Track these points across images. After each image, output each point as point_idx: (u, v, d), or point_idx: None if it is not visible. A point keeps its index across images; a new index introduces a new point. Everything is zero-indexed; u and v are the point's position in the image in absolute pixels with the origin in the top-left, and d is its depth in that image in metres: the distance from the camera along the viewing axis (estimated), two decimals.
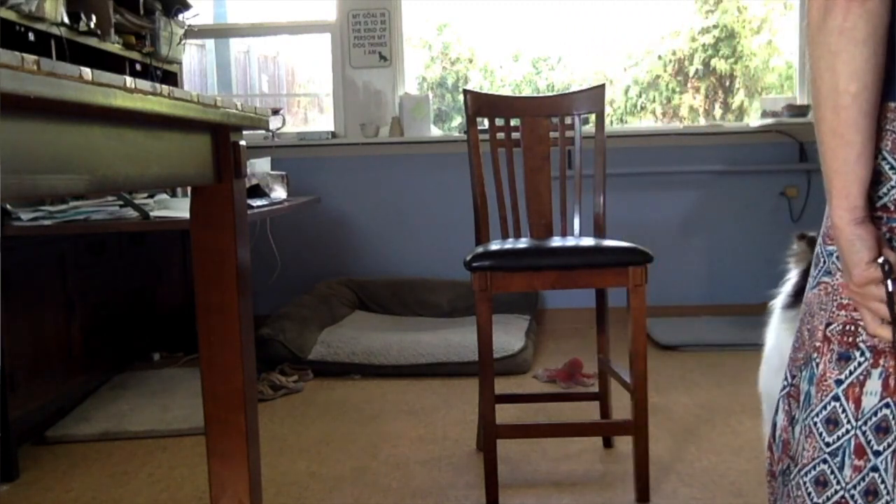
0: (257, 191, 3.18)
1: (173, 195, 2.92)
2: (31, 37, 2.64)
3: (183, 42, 3.81)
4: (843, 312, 0.97)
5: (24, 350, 2.49)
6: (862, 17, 0.84)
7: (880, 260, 0.88)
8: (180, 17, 3.76)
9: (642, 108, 5.28)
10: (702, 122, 4.87)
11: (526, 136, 2.35)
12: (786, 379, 1.05)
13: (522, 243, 2.17)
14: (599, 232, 2.34)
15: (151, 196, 2.87)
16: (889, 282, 0.87)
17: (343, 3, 4.15)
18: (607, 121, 3.29)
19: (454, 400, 2.94)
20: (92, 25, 2.93)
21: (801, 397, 1.02)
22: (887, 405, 0.94)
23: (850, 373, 0.96)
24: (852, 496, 0.96)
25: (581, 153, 2.38)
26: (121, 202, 2.65)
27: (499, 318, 3.40)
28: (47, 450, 2.52)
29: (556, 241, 2.18)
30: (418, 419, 2.74)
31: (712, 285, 4.20)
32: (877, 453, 0.95)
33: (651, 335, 3.68)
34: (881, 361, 0.94)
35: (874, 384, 0.94)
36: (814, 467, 0.99)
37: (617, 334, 2.68)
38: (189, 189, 1.63)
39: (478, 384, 2.15)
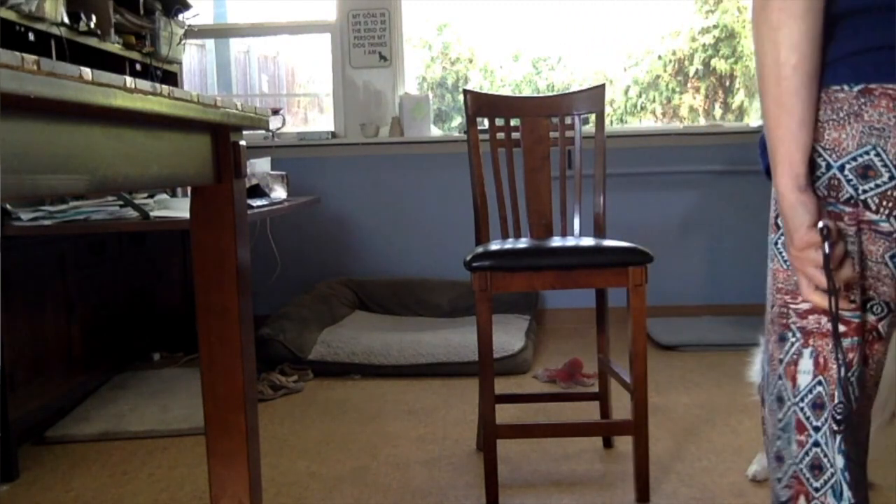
0: (257, 191, 3.18)
1: (173, 195, 2.92)
2: (31, 37, 2.64)
3: (183, 42, 3.81)
4: (778, 296, 1.04)
5: (24, 350, 2.49)
6: None
7: (820, 224, 0.93)
8: (180, 17, 3.76)
9: (642, 108, 5.28)
10: (702, 122, 4.87)
11: (526, 136, 2.35)
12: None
13: (522, 243, 2.17)
14: (599, 232, 2.34)
15: (151, 196, 2.87)
16: (826, 244, 0.92)
17: (343, 3, 4.15)
18: (607, 121, 3.29)
19: (454, 400, 2.94)
20: (92, 25, 2.93)
21: (765, 377, 1.10)
22: (820, 383, 1.00)
23: (787, 352, 1.03)
24: (801, 471, 1.02)
25: (581, 153, 2.38)
26: (121, 202, 2.65)
27: (499, 318, 3.40)
28: (47, 450, 2.52)
29: (556, 241, 2.18)
30: (418, 419, 2.74)
31: (712, 285, 4.20)
32: (816, 429, 1.01)
33: (651, 335, 3.68)
34: (811, 341, 1.01)
35: (806, 363, 1.01)
36: (773, 443, 1.06)
37: (617, 334, 2.68)
38: (189, 189, 1.63)
39: (478, 384, 2.15)
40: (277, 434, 2.62)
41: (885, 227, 0.95)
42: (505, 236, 2.35)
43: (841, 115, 0.95)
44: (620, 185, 3.98)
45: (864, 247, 0.96)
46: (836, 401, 0.99)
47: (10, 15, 2.49)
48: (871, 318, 0.99)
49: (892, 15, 0.92)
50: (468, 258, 2.02)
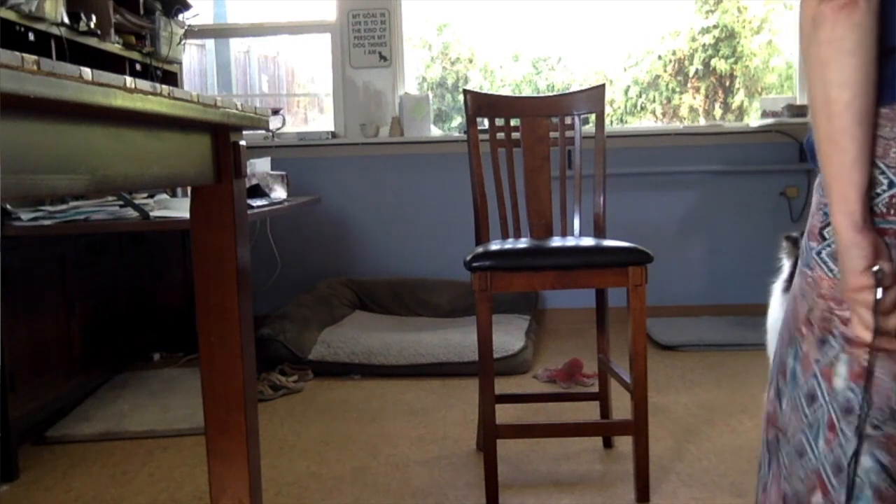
0: (257, 191, 3.18)
1: (173, 195, 2.92)
2: (31, 37, 2.64)
3: (183, 42, 3.81)
4: (821, 301, 1.03)
5: (24, 350, 2.49)
6: (849, 28, 0.87)
7: (875, 269, 0.91)
8: (180, 17, 3.76)
9: (642, 108, 5.28)
10: (702, 122, 4.87)
11: (526, 136, 2.35)
12: (775, 356, 1.12)
13: (522, 243, 2.17)
14: (599, 232, 2.34)
15: (151, 196, 2.87)
16: (879, 290, 0.91)
17: (343, 3, 4.15)
18: (607, 121, 3.29)
19: (454, 400, 2.94)
20: (92, 25, 2.93)
21: (788, 373, 1.09)
22: (851, 389, 1.00)
23: (826, 355, 1.03)
24: (824, 468, 1.03)
25: (581, 153, 2.38)
26: (121, 202, 2.66)
27: (499, 318, 3.40)
28: (47, 450, 2.52)
29: (556, 241, 2.18)
30: (418, 419, 2.74)
31: (712, 285, 4.20)
32: (842, 431, 1.01)
33: (651, 335, 3.68)
34: (848, 349, 1.00)
35: (843, 368, 1.01)
36: (796, 438, 1.06)
37: (617, 334, 2.68)
38: (189, 189, 1.63)
39: (478, 384, 2.15)
40: (277, 434, 2.62)
41: None
42: (505, 236, 2.35)
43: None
44: (620, 185, 3.98)
45: None
46: (878, 406, 0.99)
47: (10, 15, 2.49)
48: None
49: None
50: (468, 258, 2.02)
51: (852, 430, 1.00)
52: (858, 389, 1.00)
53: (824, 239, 1.03)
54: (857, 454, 1.00)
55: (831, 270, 1.02)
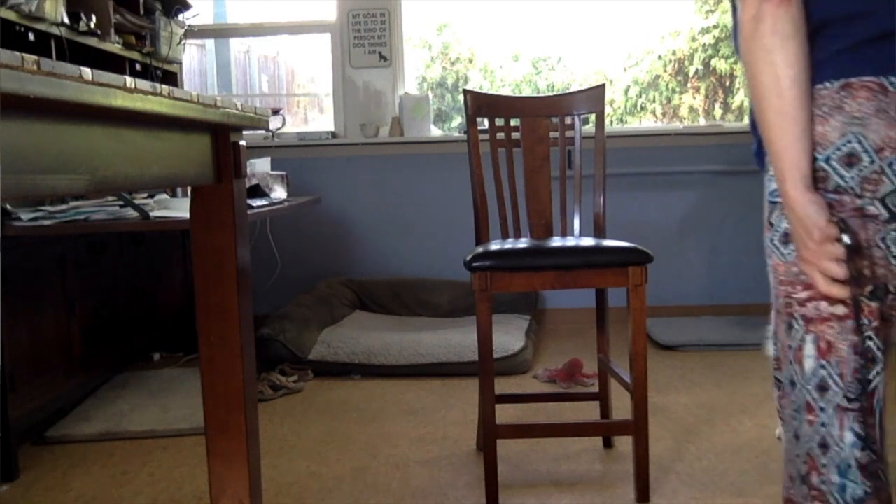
0: (257, 191, 3.18)
1: (173, 195, 2.92)
2: (31, 37, 2.64)
3: (183, 42, 3.81)
4: (781, 287, 1.13)
5: (24, 350, 2.49)
6: (786, 19, 1.02)
7: (835, 218, 1.01)
8: (180, 17, 3.76)
9: (642, 108, 5.28)
10: (702, 122, 4.87)
11: (526, 136, 2.35)
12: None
13: (522, 243, 2.17)
14: (599, 232, 2.34)
15: (151, 196, 2.87)
16: (845, 236, 1.00)
17: (343, 3, 4.15)
18: (607, 121, 3.29)
19: (454, 400, 2.94)
20: (92, 25, 2.93)
21: (777, 363, 1.17)
22: (823, 367, 1.07)
23: (794, 339, 1.11)
24: (812, 448, 1.10)
25: (581, 153, 2.38)
26: (121, 202, 2.66)
27: (499, 318, 3.40)
28: (47, 450, 2.52)
29: (556, 241, 2.18)
30: (418, 419, 2.74)
31: (712, 285, 4.20)
32: (822, 409, 1.08)
33: (651, 335, 3.68)
34: (811, 328, 1.08)
35: (809, 348, 1.09)
36: (791, 423, 1.13)
37: (617, 334, 2.68)
38: (189, 189, 1.63)
39: (478, 384, 2.15)
40: (277, 434, 2.62)
41: (871, 210, 1.02)
42: (505, 236, 2.35)
43: (825, 109, 1.04)
44: (620, 185, 3.98)
45: (858, 236, 1.03)
46: (848, 379, 1.05)
47: (10, 15, 2.49)
48: (874, 303, 1.05)
49: (867, 18, 1.01)
50: (468, 258, 2.02)
51: (832, 407, 1.06)
52: (829, 365, 1.06)
53: (773, 226, 1.12)
54: (840, 430, 1.06)
55: (783, 255, 1.11)
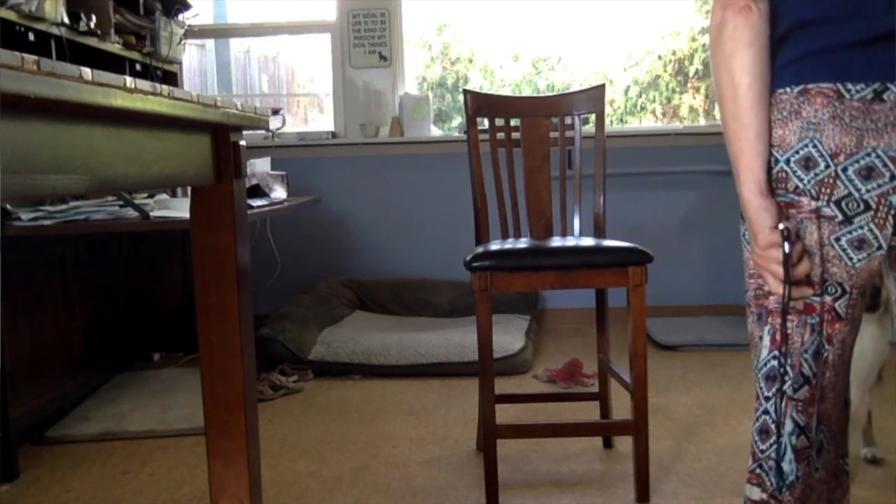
0: (257, 191, 3.18)
1: (173, 195, 2.92)
2: (31, 37, 2.64)
3: (183, 42, 3.81)
4: (751, 280, 1.19)
5: (24, 350, 2.49)
6: (746, 27, 1.07)
7: (781, 226, 1.06)
8: (180, 17, 3.76)
9: (642, 108, 5.28)
10: (702, 122, 4.87)
11: (526, 136, 2.35)
12: None
13: (522, 243, 2.17)
14: (599, 232, 2.34)
15: (151, 196, 2.87)
16: (786, 244, 1.05)
17: (343, 3, 4.15)
18: (607, 121, 3.29)
19: (454, 400, 2.94)
20: (92, 25, 2.93)
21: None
22: (774, 357, 1.13)
23: (762, 330, 1.16)
24: (753, 434, 1.17)
25: (581, 153, 2.38)
26: (121, 202, 2.66)
27: (499, 318, 3.40)
28: (47, 450, 2.52)
29: (556, 241, 2.18)
30: (418, 419, 2.74)
31: (712, 285, 4.20)
32: (766, 398, 1.14)
33: (651, 335, 3.68)
34: (769, 320, 1.14)
35: (766, 338, 1.15)
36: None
37: (617, 334, 2.68)
38: (189, 189, 1.63)
39: (478, 384, 2.15)
40: (277, 434, 2.62)
41: (826, 212, 1.07)
42: (505, 236, 2.35)
43: (784, 114, 1.08)
44: (620, 185, 3.98)
45: (815, 237, 1.08)
46: (796, 370, 1.11)
47: (10, 15, 2.49)
48: (828, 298, 1.10)
49: (824, 26, 1.05)
50: (468, 258, 2.02)
51: (777, 396, 1.12)
52: (780, 356, 1.12)
53: (744, 221, 1.17)
54: (780, 417, 1.13)
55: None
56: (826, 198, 1.06)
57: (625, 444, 2.37)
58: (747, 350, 3.69)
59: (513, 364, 3.23)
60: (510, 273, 2.00)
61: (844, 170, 1.04)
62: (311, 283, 3.98)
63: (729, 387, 3.00)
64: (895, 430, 2.42)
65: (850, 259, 1.07)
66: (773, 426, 1.12)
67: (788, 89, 1.08)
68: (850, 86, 1.03)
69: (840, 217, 1.06)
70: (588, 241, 2.14)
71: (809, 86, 1.06)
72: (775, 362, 1.12)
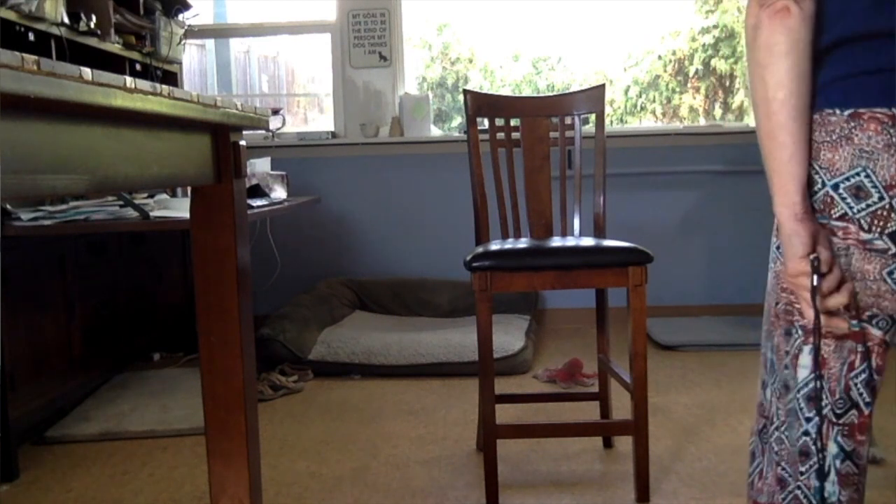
0: (257, 191, 3.18)
1: (173, 195, 2.92)
2: (31, 37, 2.64)
3: (183, 42, 3.81)
4: (784, 294, 1.11)
5: (24, 350, 2.49)
6: (783, 33, 0.97)
7: (811, 256, 0.99)
8: (180, 17, 3.76)
9: (642, 108, 5.28)
10: (702, 122, 4.87)
11: (526, 136, 2.35)
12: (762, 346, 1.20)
13: (522, 243, 2.17)
14: (599, 232, 2.34)
15: (151, 196, 2.87)
16: (815, 276, 0.99)
17: (343, 3, 4.15)
18: (607, 121, 3.29)
19: (454, 400, 2.94)
20: (92, 25, 2.93)
21: (767, 364, 1.16)
22: (815, 378, 1.06)
23: (792, 345, 1.10)
24: (795, 454, 1.11)
25: (581, 153, 2.38)
26: (121, 202, 2.66)
27: (499, 318, 3.40)
28: (47, 450, 2.52)
29: (556, 241, 2.18)
30: (418, 419, 2.74)
31: (712, 285, 4.20)
32: (808, 419, 1.08)
33: (651, 335, 3.68)
34: (810, 339, 1.07)
35: (805, 358, 1.08)
36: (774, 426, 1.14)
37: (617, 334, 2.68)
38: (189, 189, 1.63)
39: (478, 384, 2.15)
40: (277, 434, 2.62)
41: (879, 244, 1.00)
42: (505, 236, 2.35)
43: (833, 137, 1.00)
44: (620, 185, 3.98)
45: (861, 266, 1.01)
46: (837, 396, 1.05)
47: (10, 15, 2.49)
48: (877, 332, 1.04)
49: (878, 42, 0.95)
50: (468, 258, 2.02)
51: (818, 417, 1.07)
52: (821, 378, 1.06)
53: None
54: (822, 440, 1.07)
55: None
56: (879, 230, 0.99)
57: (625, 444, 2.37)
58: (748, 350, 3.66)
59: (513, 364, 3.23)
60: (510, 273, 2.00)
61: None
62: (311, 283, 3.98)
63: (729, 387, 3.00)
64: (895, 430, 2.42)
65: None
66: (813, 448, 1.07)
67: (838, 111, 0.99)
68: None
69: (894, 249, 0.99)
70: (588, 241, 2.14)
71: (861, 110, 0.97)
72: (815, 384, 1.07)
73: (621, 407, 2.46)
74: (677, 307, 4.13)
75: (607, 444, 2.42)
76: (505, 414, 2.58)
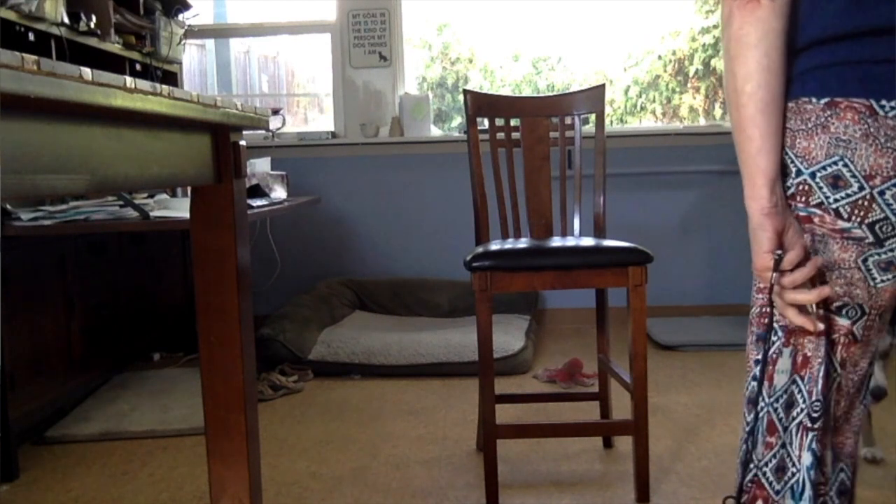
0: (257, 191, 3.18)
1: (173, 195, 2.92)
2: (31, 37, 2.64)
3: (183, 42, 3.81)
4: (759, 296, 1.09)
5: (24, 350, 2.49)
6: (752, 24, 0.94)
7: (776, 252, 0.99)
8: (180, 17, 3.76)
9: (642, 108, 5.28)
10: (702, 122, 4.87)
11: (526, 136, 2.35)
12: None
13: (522, 243, 2.17)
14: (599, 232, 2.34)
15: (151, 196, 2.87)
16: (774, 274, 0.99)
17: (343, 3, 4.15)
18: (607, 121, 3.29)
19: (454, 400, 2.94)
20: (92, 25, 2.93)
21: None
22: (794, 382, 1.03)
23: (766, 352, 1.06)
24: (764, 474, 1.05)
25: (581, 153, 2.38)
26: (121, 202, 2.66)
27: (499, 318, 3.40)
28: (47, 450, 2.52)
29: (556, 241, 2.18)
30: (418, 419, 2.74)
31: (712, 285, 4.20)
32: (785, 429, 1.03)
33: (651, 335, 3.68)
34: (791, 340, 1.04)
35: (785, 362, 1.04)
36: (740, 448, 1.09)
37: (617, 334, 2.68)
38: (189, 189, 1.63)
39: (478, 384, 2.15)
40: (277, 434, 2.62)
41: (857, 233, 0.98)
42: (505, 236, 2.35)
43: (809, 125, 0.98)
44: (620, 185, 3.98)
45: (837, 254, 1.00)
46: (814, 398, 1.01)
47: (10, 15, 2.49)
48: (846, 322, 1.02)
49: (858, 39, 0.94)
50: (468, 258, 2.02)
51: (795, 425, 1.02)
52: (800, 381, 1.02)
53: None
54: (811, 448, 1.02)
55: None
56: (858, 220, 0.97)
57: (625, 444, 2.37)
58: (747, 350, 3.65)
59: (513, 364, 3.23)
60: (510, 273, 2.00)
61: (882, 193, 0.95)
62: (311, 283, 3.98)
63: (729, 387, 3.00)
64: (895, 430, 2.42)
65: (874, 279, 1.00)
66: (789, 461, 1.03)
67: (814, 100, 0.97)
68: (884, 102, 0.93)
69: (871, 239, 0.98)
70: (588, 241, 2.14)
71: (838, 98, 0.95)
72: (794, 388, 1.03)
73: (621, 407, 2.46)
74: (677, 307, 4.13)
75: (607, 444, 2.42)
76: (505, 414, 2.58)
